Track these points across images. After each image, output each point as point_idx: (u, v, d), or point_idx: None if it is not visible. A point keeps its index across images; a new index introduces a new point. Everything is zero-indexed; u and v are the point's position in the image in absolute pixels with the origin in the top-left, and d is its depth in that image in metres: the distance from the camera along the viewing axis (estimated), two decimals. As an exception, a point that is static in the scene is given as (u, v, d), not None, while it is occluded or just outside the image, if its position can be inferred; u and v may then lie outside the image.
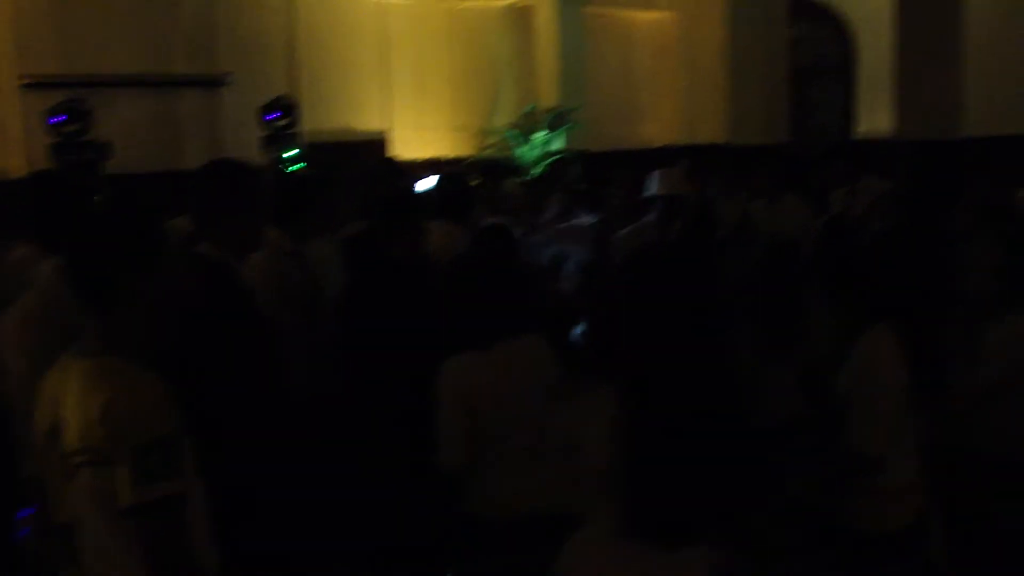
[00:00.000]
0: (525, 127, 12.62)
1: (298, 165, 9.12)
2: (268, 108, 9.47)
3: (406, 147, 12.52)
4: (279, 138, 9.36)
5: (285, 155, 9.20)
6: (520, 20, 13.78)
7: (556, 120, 12.57)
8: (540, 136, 12.51)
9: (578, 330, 4.35)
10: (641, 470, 2.21)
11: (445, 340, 3.32)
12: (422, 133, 12.94)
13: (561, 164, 9.24)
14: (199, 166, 3.37)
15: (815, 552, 3.17)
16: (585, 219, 6.19)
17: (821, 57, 14.25)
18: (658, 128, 15.61)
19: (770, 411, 4.09)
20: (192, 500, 2.19)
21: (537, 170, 11.75)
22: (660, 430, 2.22)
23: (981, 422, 3.59)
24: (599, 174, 9.11)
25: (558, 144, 12.64)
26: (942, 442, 3.60)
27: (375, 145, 11.87)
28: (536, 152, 12.47)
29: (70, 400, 2.14)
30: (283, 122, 9.48)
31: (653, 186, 5.34)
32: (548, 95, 13.02)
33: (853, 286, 3.23)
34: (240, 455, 2.79)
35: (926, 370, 3.08)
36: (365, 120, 12.34)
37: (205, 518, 2.30)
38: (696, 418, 2.20)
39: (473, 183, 6.56)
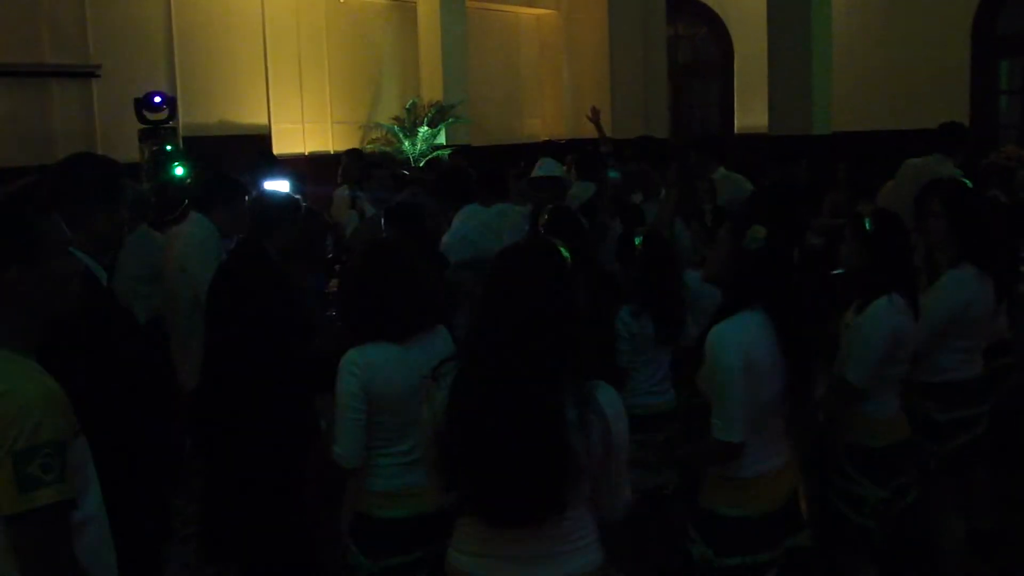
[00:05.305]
0: (408, 122, 12.56)
1: (177, 160, 8.89)
2: (144, 101, 9.21)
3: (287, 141, 12.35)
4: (156, 132, 9.11)
5: (164, 149, 8.96)
6: (402, 14, 13.71)
7: (438, 115, 12.55)
8: (425, 130, 12.48)
9: None
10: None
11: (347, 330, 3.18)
12: (303, 127, 12.78)
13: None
14: (58, 161, 3.20)
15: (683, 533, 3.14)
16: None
17: (700, 55, 14.62)
18: (542, 123, 15.77)
19: (650, 398, 4.20)
20: (85, 508, 2.05)
21: (422, 164, 11.76)
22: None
23: (851, 412, 3.57)
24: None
25: (442, 139, 12.63)
26: (811, 429, 3.70)
27: (256, 140, 11.67)
28: (420, 147, 12.44)
29: None
30: (160, 116, 9.23)
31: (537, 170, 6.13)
32: (431, 90, 12.99)
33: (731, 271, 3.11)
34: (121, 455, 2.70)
35: (798, 358, 3.04)
36: (245, 114, 12.10)
37: (101, 528, 2.15)
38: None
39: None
